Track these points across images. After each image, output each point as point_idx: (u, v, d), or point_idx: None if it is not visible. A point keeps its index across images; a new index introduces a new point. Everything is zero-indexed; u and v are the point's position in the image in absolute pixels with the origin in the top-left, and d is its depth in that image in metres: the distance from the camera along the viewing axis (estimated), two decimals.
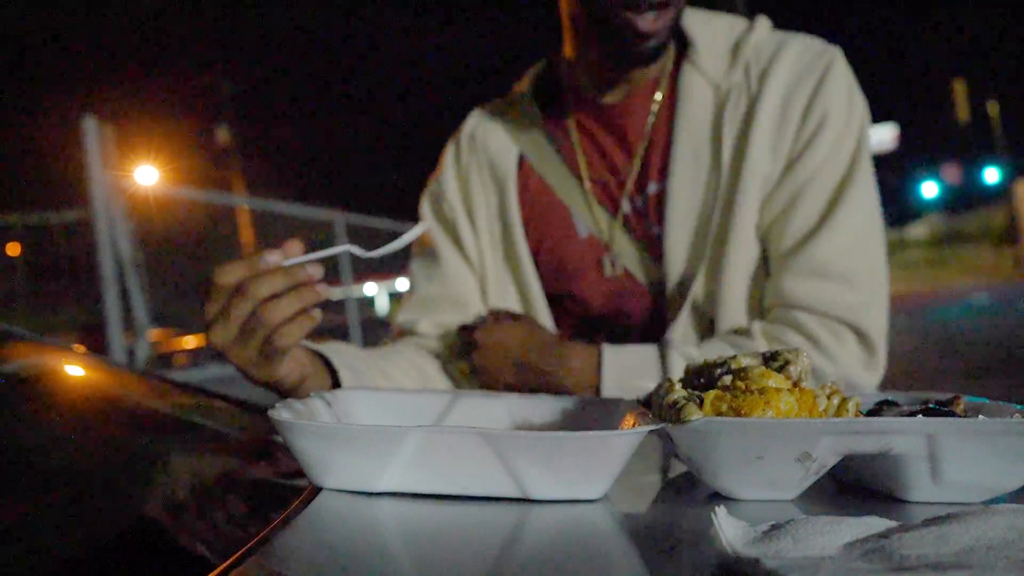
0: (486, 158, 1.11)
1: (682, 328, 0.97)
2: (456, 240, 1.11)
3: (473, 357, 0.97)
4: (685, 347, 0.91)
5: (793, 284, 0.91)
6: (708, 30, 1.03)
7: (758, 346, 0.89)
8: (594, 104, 1.05)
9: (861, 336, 0.90)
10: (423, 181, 1.19)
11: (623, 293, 1.02)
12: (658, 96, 1.02)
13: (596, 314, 1.04)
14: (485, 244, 1.10)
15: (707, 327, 0.98)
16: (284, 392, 0.78)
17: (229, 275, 0.69)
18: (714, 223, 0.96)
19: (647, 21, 0.89)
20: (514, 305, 1.08)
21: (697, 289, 0.96)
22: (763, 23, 1.02)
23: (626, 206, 1.02)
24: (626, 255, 1.02)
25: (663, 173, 1.00)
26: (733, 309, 0.96)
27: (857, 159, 0.94)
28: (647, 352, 0.92)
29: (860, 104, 0.96)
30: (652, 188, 1.01)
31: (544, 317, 1.05)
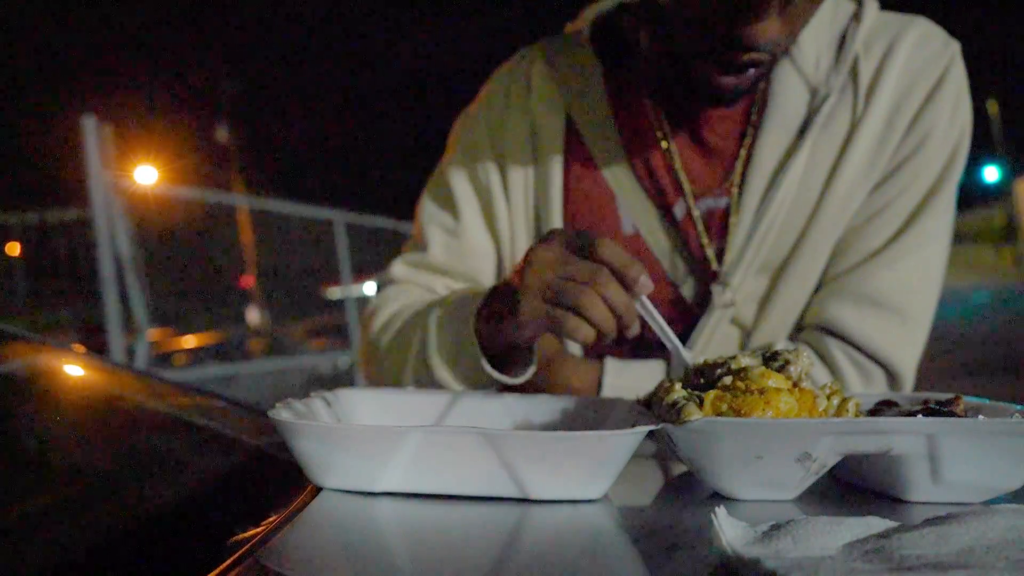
0: (531, 119, 0.93)
1: (708, 340, 0.86)
2: (487, 209, 0.95)
3: None
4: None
5: (838, 309, 0.82)
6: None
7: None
8: (673, 97, 0.87)
9: (893, 376, 0.82)
10: (423, 180, 1.06)
11: (661, 304, 0.88)
12: (753, 112, 0.86)
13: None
14: (519, 222, 0.93)
15: (741, 344, 0.88)
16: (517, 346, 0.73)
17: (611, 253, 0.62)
18: (782, 251, 0.84)
19: (736, 79, 0.75)
20: None
21: (743, 312, 0.86)
22: (872, 3, 0.86)
23: (679, 211, 0.87)
24: (671, 264, 0.88)
25: (740, 187, 0.85)
26: (775, 334, 0.86)
27: (944, 178, 0.82)
28: (652, 368, 0.83)
29: (962, 117, 0.83)
30: (721, 202, 0.86)
31: None
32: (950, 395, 0.57)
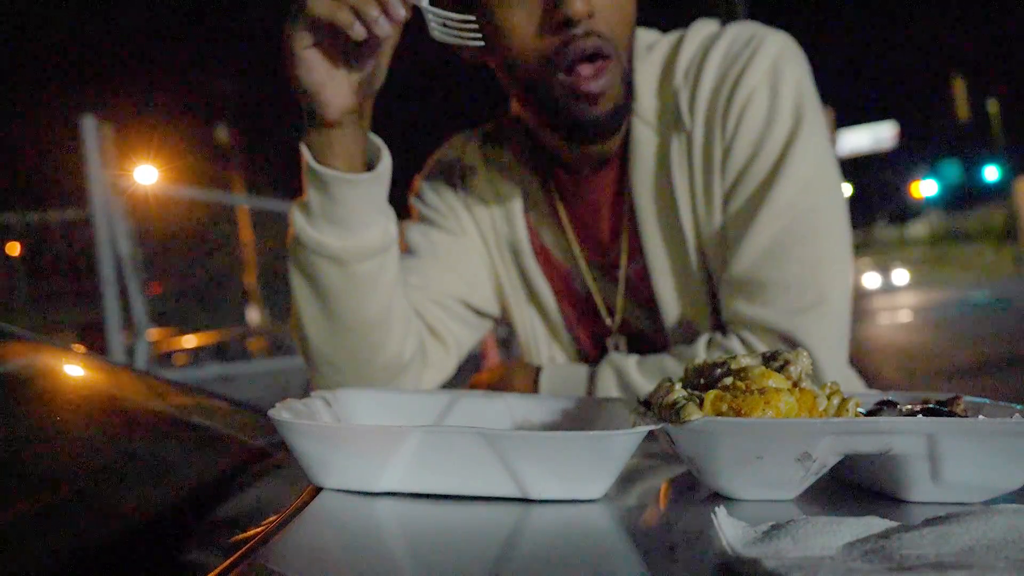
0: (491, 190, 1.01)
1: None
2: (464, 236, 1.02)
3: None
4: (623, 360, 0.88)
5: (728, 301, 0.87)
6: (646, 67, 0.91)
7: (696, 353, 0.85)
8: (570, 171, 0.96)
9: (795, 344, 0.83)
10: None
11: (630, 340, 0.99)
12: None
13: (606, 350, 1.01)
14: (499, 265, 1.02)
15: None
16: (320, 116, 0.79)
17: None
18: (701, 280, 0.91)
19: (586, 80, 0.80)
20: (540, 329, 1.03)
21: (701, 328, 0.93)
22: (697, 31, 0.92)
23: (618, 274, 0.97)
24: (625, 312, 0.98)
25: (640, 250, 0.94)
26: None
27: (785, 154, 0.84)
28: (578, 371, 0.92)
29: (789, 92, 0.85)
30: (636, 263, 0.95)
31: (568, 345, 1.02)
32: (950, 395, 0.58)
